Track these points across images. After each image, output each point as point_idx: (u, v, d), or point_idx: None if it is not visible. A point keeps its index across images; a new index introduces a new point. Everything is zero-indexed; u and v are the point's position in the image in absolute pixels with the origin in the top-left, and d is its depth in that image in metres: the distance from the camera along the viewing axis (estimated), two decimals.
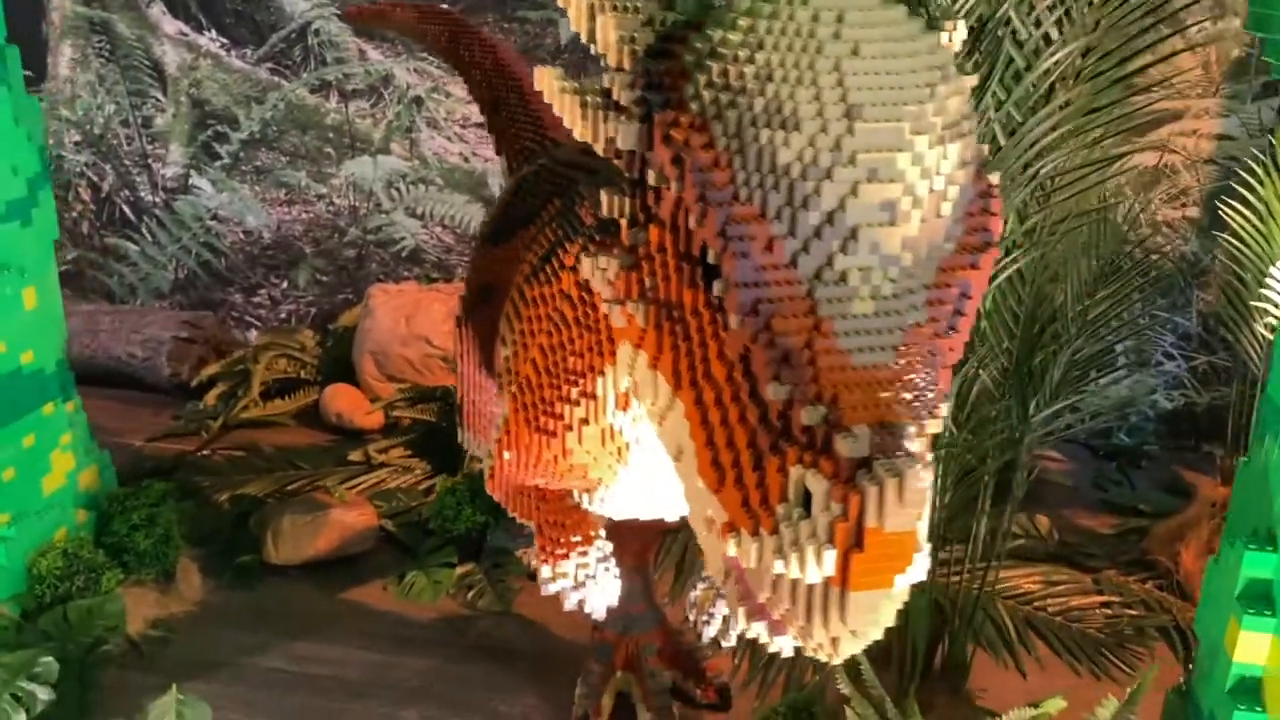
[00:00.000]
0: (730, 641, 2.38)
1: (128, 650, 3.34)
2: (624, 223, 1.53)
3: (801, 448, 1.24)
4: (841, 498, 1.19)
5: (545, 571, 2.26)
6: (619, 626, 2.98)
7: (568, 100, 1.57)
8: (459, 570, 3.76)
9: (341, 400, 4.82)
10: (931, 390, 1.28)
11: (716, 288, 1.32)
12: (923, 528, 1.22)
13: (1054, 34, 2.25)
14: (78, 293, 5.68)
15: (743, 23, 1.37)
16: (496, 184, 4.96)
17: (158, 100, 5.33)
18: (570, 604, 2.29)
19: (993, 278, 2.44)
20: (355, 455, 4.50)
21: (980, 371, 2.43)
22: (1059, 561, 3.97)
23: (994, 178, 1.47)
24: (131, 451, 4.57)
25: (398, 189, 5.24)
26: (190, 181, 5.43)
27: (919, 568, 1.25)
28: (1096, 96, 2.36)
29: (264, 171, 5.34)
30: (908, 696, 2.69)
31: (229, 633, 3.50)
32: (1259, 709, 1.96)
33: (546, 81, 1.59)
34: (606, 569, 2.32)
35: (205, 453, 4.62)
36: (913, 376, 1.26)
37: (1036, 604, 3.71)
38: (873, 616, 1.24)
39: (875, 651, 2.86)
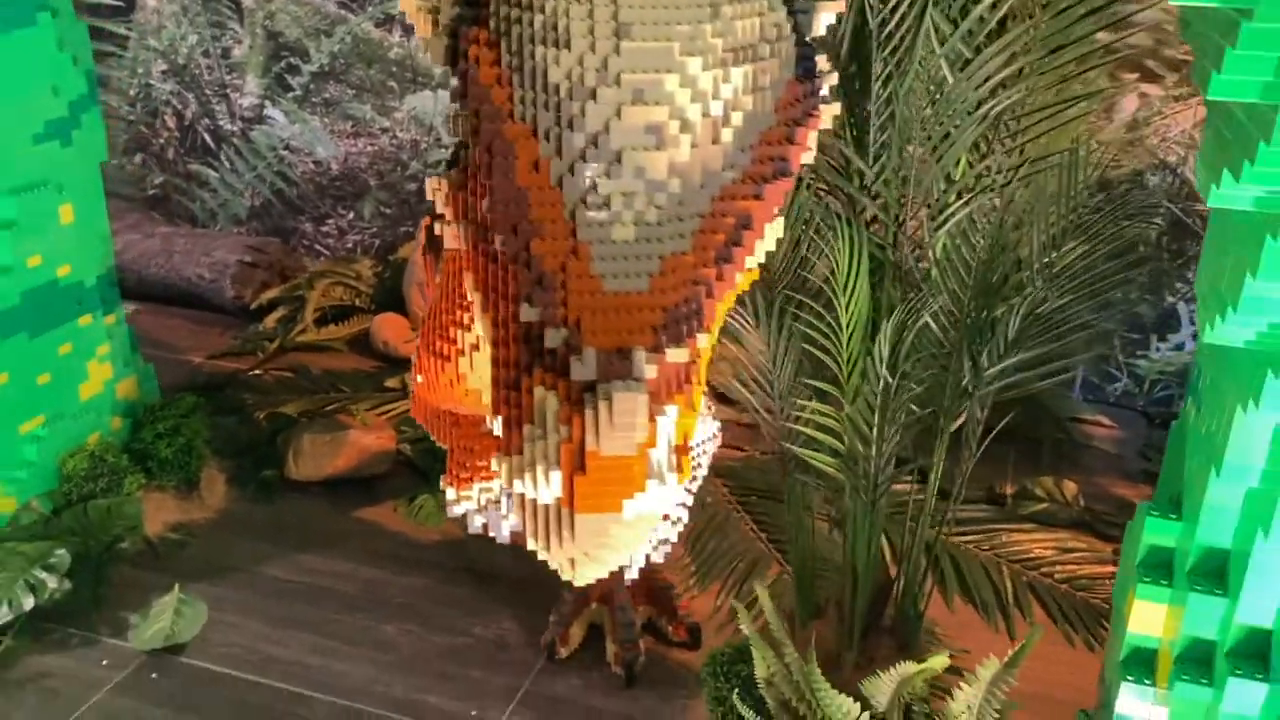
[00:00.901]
0: (633, 574, 2.39)
1: (144, 550, 3.57)
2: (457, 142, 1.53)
3: (545, 369, 1.23)
4: (567, 419, 1.18)
5: (450, 494, 2.31)
6: None
7: (420, 18, 1.58)
8: None
9: (389, 329, 4.98)
10: (686, 320, 1.26)
11: (484, 205, 1.32)
12: (659, 456, 1.20)
13: None
14: (165, 215, 6.00)
15: None
16: None
17: (235, 31, 5.53)
18: (474, 527, 2.33)
19: (941, 224, 2.35)
20: (392, 382, 4.64)
21: (926, 316, 2.35)
22: (1081, 529, 3.82)
23: (825, 115, 1.41)
24: (190, 367, 4.83)
25: None
26: (265, 112, 5.64)
27: (656, 496, 1.23)
28: (1062, 32, 2.22)
29: (332, 104, 5.50)
30: (849, 647, 2.67)
31: (243, 541, 3.69)
32: (1148, 681, 1.86)
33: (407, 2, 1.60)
34: (509, 496, 2.36)
35: (257, 372, 4.84)
36: (665, 304, 1.24)
37: (1044, 569, 3.59)
38: (602, 540, 1.24)
39: (813, 597, 2.84)
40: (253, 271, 5.32)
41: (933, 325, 2.40)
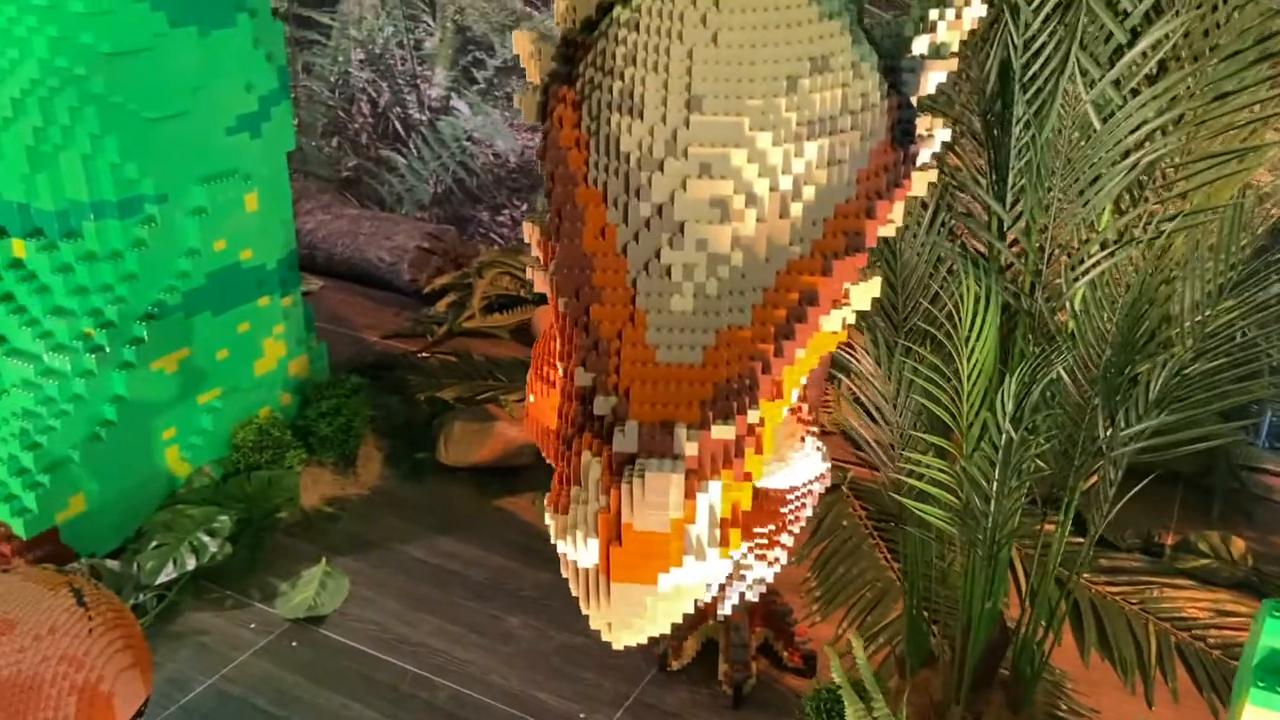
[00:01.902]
0: (725, 610, 2.38)
1: (299, 521, 3.82)
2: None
3: (593, 434, 1.25)
4: (606, 489, 1.19)
5: (547, 517, 2.35)
6: None
7: (531, 64, 1.62)
8: None
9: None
10: (738, 395, 1.24)
11: (550, 269, 1.34)
12: (698, 531, 1.20)
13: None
14: (356, 197, 6.35)
15: (636, 1, 1.35)
16: None
17: (428, 25, 5.77)
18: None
19: (1082, 275, 2.22)
20: None
21: (1059, 369, 2.23)
22: (1245, 591, 3.55)
23: (917, 181, 1.37)
24: (362, 345, 5.11)
25: None
26: (451, 103, 5.86)
27: (694, 571, 1.23)
28: (1232, 77, 2.05)
29: (513, 97, 5.66)
30: (956, 700, 2.58)
31: (389, 519, 3.90)
32: None
33: (520, 43, 1.64)
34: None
35: (424, 355, 5.07)
36: (716, 379, 1.23)
37: (1196, 632, 3.36)
38: (636, 610, 1.25)
39: (925, 644, 2.75)
40: (429, 257, 5.56)
41: (1066, 379, 2.27)
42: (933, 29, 1.47)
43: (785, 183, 1.26)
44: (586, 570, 1.27)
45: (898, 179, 1.36)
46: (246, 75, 3.74)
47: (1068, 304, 2.26)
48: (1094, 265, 2.19)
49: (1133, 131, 2.06)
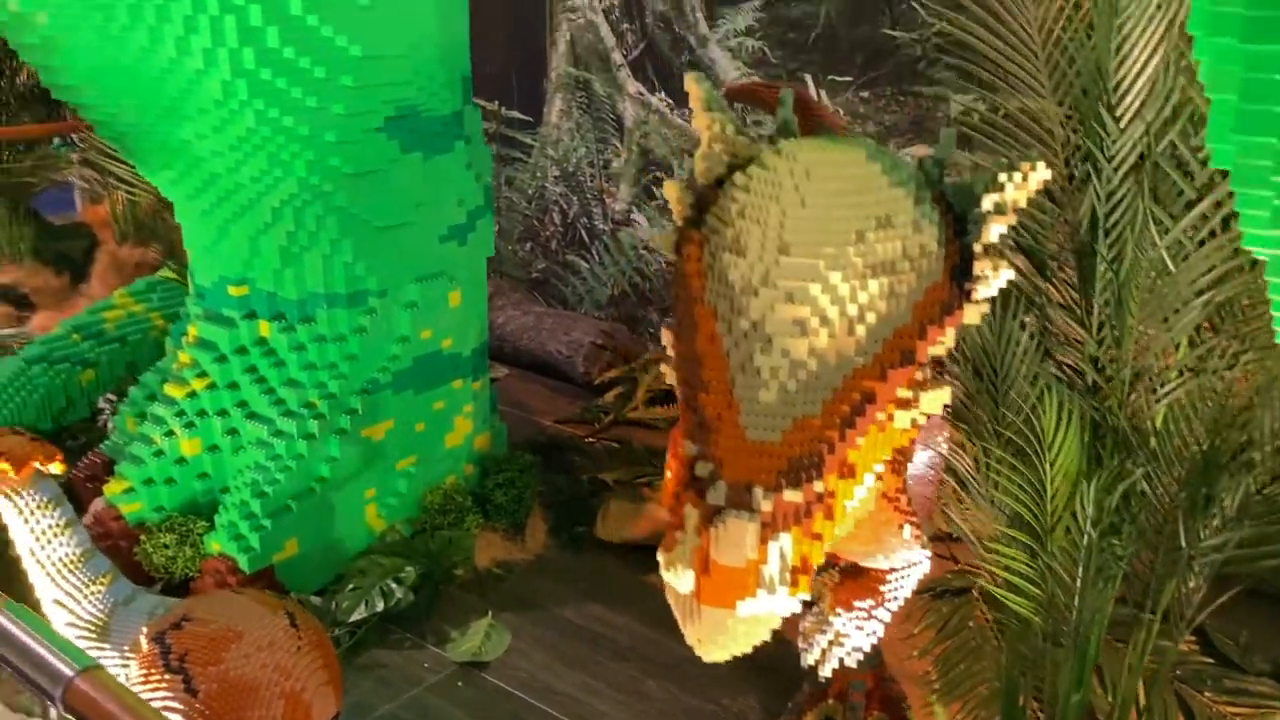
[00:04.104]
0: (826, 671, 2.68)
1: (472, 579, 4.33)
2: None
3: (695, 491, 1.65)
4: (699, 532, 1.59)
5: (660, 555, 2.72)
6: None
7: (678, 204, 2.08)
8: None
9: None
10: (806, 469, 1.62)
11: (673, 360, 1.78)
12: (770, 571, 1.58)
13: None
14: (544, 296, 7.02)
15: (752, 167, 1.80)
16: None
17: (616, 147, 6.44)
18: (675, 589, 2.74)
19: (1161, 399, 2.48)
20: None
21: (1140, 481, 2.49)
22: None
23: (970, 313, 1.73)
24: (539, 428, 5.67)
25: None
26: (632, 216, 6.48)
27: (766, 602, 1.60)
28: None
29: None
30: None
31: (549, 583, 4.36)
32: None
33: (669, 190, 2.11)
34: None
35: (590, 440, 5.58)
36: (790, 454, 1.62)
37: None
38: (719, 629, 1.63)
39: None
40: (601, 352, 6.12)
41: (1148, 491, 2.52)
42: (1000, 189, 1.84)
43: (852, 309, 1.65)
44: (685, 596, 1.66)
45: (950, 309, 1.72)
46: (459, 192, 4.40)
47: (1148, 422, 2.52)
48: (1174, 389, 2.46)
49: (1205, 273, 2.35)
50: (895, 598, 2.58)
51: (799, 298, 1.63)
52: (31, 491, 3.23)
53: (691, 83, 2.10)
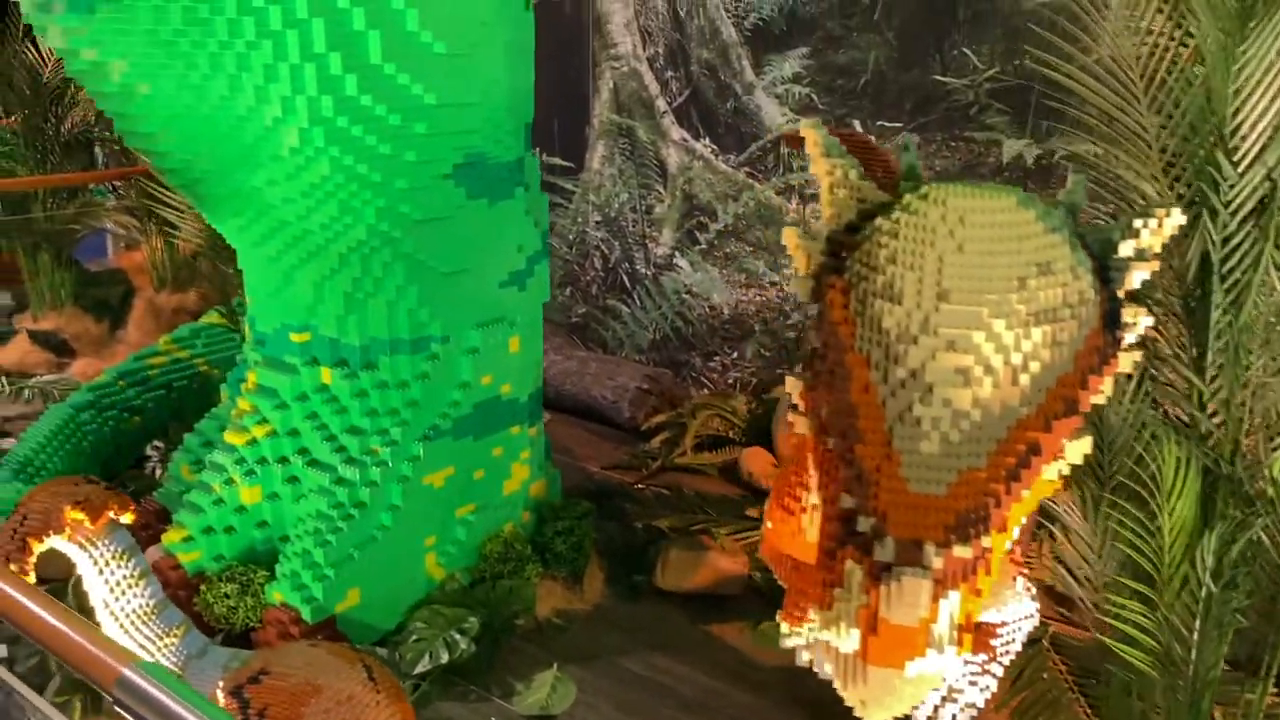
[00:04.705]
0: None
1: (533, 629, 4.26)
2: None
3: (856, 547, 1.61)
4: (867, 589, 1.54)
5: (784, 628, 2.67)
6: None
7: (799, 254, 2.06)
8: None
9: (755, 462, 5.49)
10: (974, 524, 1.58)
11: (823, 412, 1.74)
12: (940, 630, 1.53)
13: None
14: (583, 340, 7.00)
15: (894, 214, 1.77)
16: None
17: (659, 192, 6.44)
18: (801, 660, 2.68)
19: (1277, 447, 2.44)
20: (753, 511, 5.12)
21: (1259, 532, 2.44)
22: None
23: (1124, 360, 1.70)
24: (586, 474, 5.62)
25: None
26: (674, 260, 6.47)
27: (935, 662, 1.55)
28: None
29: (731, 258, 6.21)
30: None
31: (610, 634, 4.29)
32: None
33: (789, 238, 2.09)
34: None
35: (640, 486, 5.53)
36: (957, 508, 1.58)
37: None
38: (887, 689, 1.58)
39: None
40: (646, 397, 6.08)
41: (1266, 541, 2.47)
42: (1137, 235, 1.81)
43: (1016, 358, 1.62)
44: (846, 656, 1.61)
45: (1107, 358, 1.69)
46: (519, 239, 4.39)
47: (1265, 471, 2.47)
48: None
49: None
50: (1008, 651, 2.52)
51: (961, 345, 1.60)
52: (107, 541, 3.19)
53: (808, 129, 2.09)
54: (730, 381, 6.36)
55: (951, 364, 1.61)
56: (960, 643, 1.57)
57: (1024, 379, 1.61)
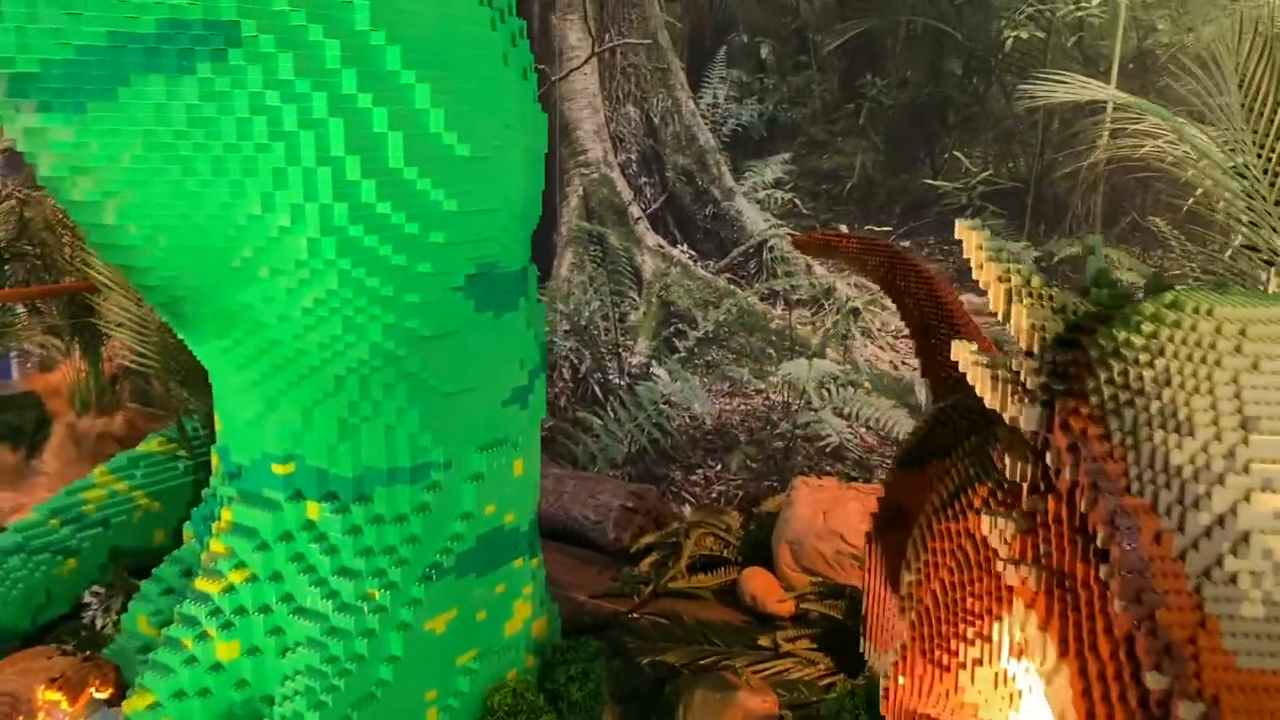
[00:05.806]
0: None
1: None
2: (1025, 488, 1.69)
3: None
4: None
5: None
6: None
7: (979, 372, 1.78)
8: None
9: (757, 583, 5.15)
10: None
11: (1103, 571, 1.44)
12: None
13: None
14: (551, 457, 6.61)
15: (1147, 327, 1.52)
16: (923, 393, 5.15)
17: (634, 300, 6.19)
18: None
19: None
20: (764, 640, 4.76)
21: None
22: None
23: None
24: (575, 604, 5.18)
25: (828, 389, 5.61)
26: (651, 369, 6.19)
27: None
28: None
29: (713, 366, 5.96)
30: None
31: None
32: None
33: (961, 353, 1.81)
34: None
35: (634, 615, 5.12)
36: None
37: None
38: None
39: None
40: (632, 516, 5.72)
41: None
42: None
43: None
44: None
45: None
46: (520, 353, 4.05)
47: None
48: None
49: None
50: None
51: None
52: None
53: (967, 230, 1.85)
54: (714, 496, 6.04)
55: (1271, 507, 1.35)
56: None
57: None
